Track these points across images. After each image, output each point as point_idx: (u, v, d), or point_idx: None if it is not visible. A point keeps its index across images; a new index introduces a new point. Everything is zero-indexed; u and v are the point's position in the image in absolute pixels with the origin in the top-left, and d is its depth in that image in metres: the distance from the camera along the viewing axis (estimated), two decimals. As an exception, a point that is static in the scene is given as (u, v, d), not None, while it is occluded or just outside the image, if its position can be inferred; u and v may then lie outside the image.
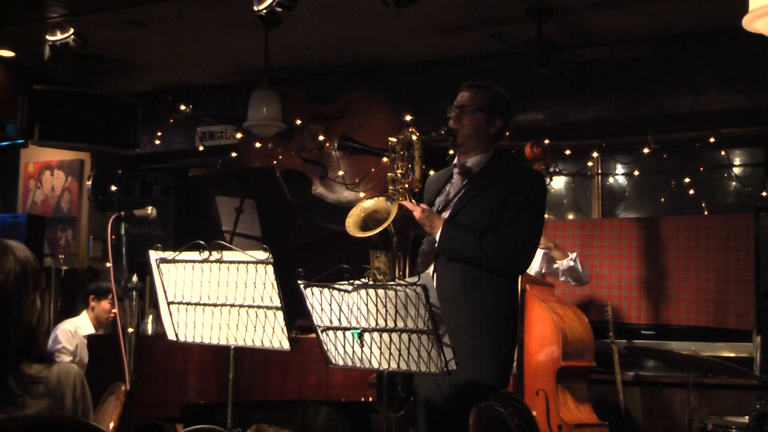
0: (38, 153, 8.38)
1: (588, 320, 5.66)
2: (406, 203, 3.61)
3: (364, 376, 4.73)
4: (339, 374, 5.03)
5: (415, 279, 2.99)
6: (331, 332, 3.23)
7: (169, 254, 3.57)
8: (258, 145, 7.46)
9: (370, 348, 3.15)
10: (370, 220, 3.51)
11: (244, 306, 3.48)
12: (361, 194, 6.98)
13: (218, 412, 5.28)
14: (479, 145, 3.81)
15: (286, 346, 3.46)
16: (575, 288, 6.32)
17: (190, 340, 3.67)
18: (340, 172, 7.31)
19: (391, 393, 3.46)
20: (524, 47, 6.08)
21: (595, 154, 7.03)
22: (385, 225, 3.40)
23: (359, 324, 3.14)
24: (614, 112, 6.64)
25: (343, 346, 3.22)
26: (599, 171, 7.32)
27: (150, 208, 4.39)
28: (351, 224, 3.51)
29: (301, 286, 3.19)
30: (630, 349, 6.20)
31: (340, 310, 3.16)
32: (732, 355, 6.48)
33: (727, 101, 6.26)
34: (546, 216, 4.38)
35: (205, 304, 3.57)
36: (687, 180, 6.85)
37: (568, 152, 7.00)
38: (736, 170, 6.97)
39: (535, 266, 6.00)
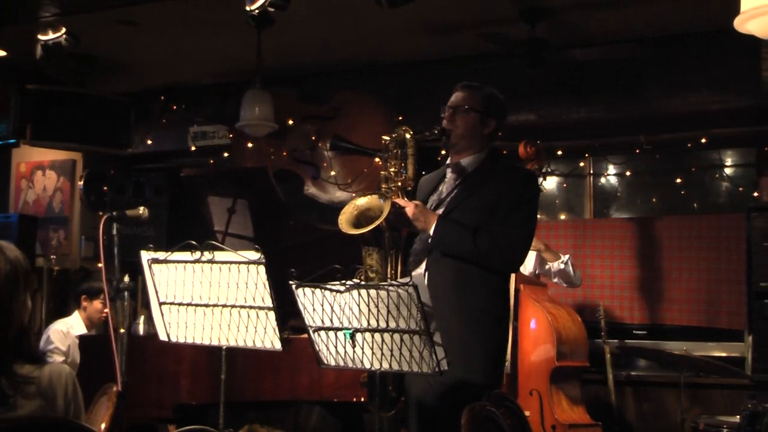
0: (30, 153, 8.36)
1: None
2: (399, 200, 3.62)
3: (356, 376, 4.72)
4: (331, 374, 5.03)
5: (407, 279, 2.99)
6: (323, 332, 3.23)
7: (160, 254, 3.57)
8: (250, 145, 7.45)
9: (362, 348, 3.15)
10: (363, 218, 3.52)
11: (236, 306, 3.48)
12: (353, 194, 6.98)
13: (210, 412, 5.28)
14: (473, 146, 3.82)
15: (278, 346, 3.46)
16: (568, 288, 6.32)
17: (182, 340, 3.67)
18: (333, 173, 7.30)
19: (383, 393, 3.46)
20: (517, 48, 6.09)
21: (587, 155, 7.04)
22: (378, 222, 3.41)
23: (351, 324, 3.14)
24: (606, 113, 6.65)
25: (335, 347, 3.22)
26: (591, 171, 7.33)
27: (142, 208, 4.40)
28: (344, 221, 3.52)
29: (293, 287, 3.19)
30: (622, 349, 6.21)
31: (332, 310, 3.16)
32: (724, 354, 6.50)
33: (719, 102, 6.27)
34: (538, 216, 4.39)
35: (197, 305, 3.57)
36: (679, 180, 6.87)
37: (560, 153, 7.01)
38: (728, 170, 6.99)
39: (529, 266, 6.00)
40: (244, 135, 7.12)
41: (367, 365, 3.17)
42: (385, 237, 3.55)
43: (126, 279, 4.13)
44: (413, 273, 3.64)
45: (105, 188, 8.04)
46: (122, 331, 4.00)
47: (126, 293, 4.12)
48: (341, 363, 3.25)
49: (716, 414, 5.31)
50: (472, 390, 3.41)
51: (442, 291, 3.55)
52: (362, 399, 4.97)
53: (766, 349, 5.76)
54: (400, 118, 6.65)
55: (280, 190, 5.63)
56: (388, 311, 3.03)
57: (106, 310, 6.20)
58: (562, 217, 7.49)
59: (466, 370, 3.49)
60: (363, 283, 3.15)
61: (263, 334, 3.46)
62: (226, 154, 7.73)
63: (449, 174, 3.87)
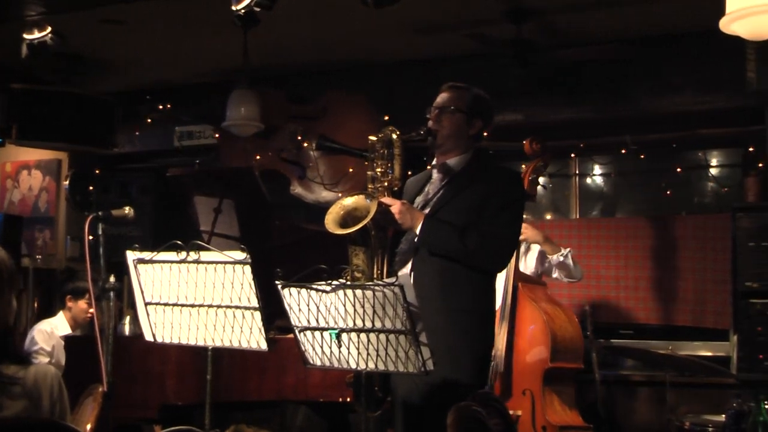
0: (16, 152, 8.31)
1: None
2: (386, 199, 3.62)
3: (343, 376, 4.71)
4: (317, 374, 5.02)
5: (393, 279, 2.99)
6: (309, 332, 3.23)
7: (146, 254, 3.56)
8: (236, 145, 7.43)
9: (348, 348, 3.15)
10: (349, 218, 3.52)
11: (222, 306, 3.47)
12: (340, 194, 6.97)
13: (196, 412, 5.26)
14: (458, 146, 3.83)
15: (264, 346, 3.46)
16: (556, 287, 6.28)
17: (167, 340, 3.66)
18: (319, 172, 7.29)
19: (369, 393, 3.46)
20: (503, 48, 6.09)
21: (573, 155, 7.04)
22: (364, 222, 3.41)
23: (337, 324, 3.14)
24: (592, 113, 6.66)
25: (321, 347, 3.22)
26: (577, 171, 7.34)
27: (128, 208, 4.38)
28: (330, 221, 3.52)
29: (279, 287, 3.19)
30: (608, 349, 6.21)
31: (318, 310, 3.16)
32: (709, 354, 6.51)
33: (705, 102, 6.29)
34: (525, 216, 4.40)
35: (182, 305, 3.56)
36: (665, 181, 6.88)
37: (546, 153, 7.01)
38: (714, 171, 7.01)
39: (531, 266, 5.94)
40: (230, 135, 7.11)
41: (353, 365, 3.17)
42: (371, 237, 3.55)
43: (111, 279, 4.12)
44: (399, 273, 3.64)
45: (90, 188, 8.01)
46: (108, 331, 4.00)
47: (111, 293, 4.11)
48: (327, 363, 3.25)
49: (702, 413, 5.31)
50: (458, 390, 3.42)
51: (428, 291, 3.55)
52: (348, 399, 4.96)
53: (751, 349, 5.77)
54: (387, 118, 6.64)
55: (266, 189, 5.60)
56: (374, 311, 3.03)
57: (92, 310, 6.18)
58: (548, 217, 7.50)
59: (452, 369, 3.50)
60: (349, 283, 3.15)
61: (249, 334, 3.45)
62: (212, 154, 7.72)
63: (435, 174, 3.88)
